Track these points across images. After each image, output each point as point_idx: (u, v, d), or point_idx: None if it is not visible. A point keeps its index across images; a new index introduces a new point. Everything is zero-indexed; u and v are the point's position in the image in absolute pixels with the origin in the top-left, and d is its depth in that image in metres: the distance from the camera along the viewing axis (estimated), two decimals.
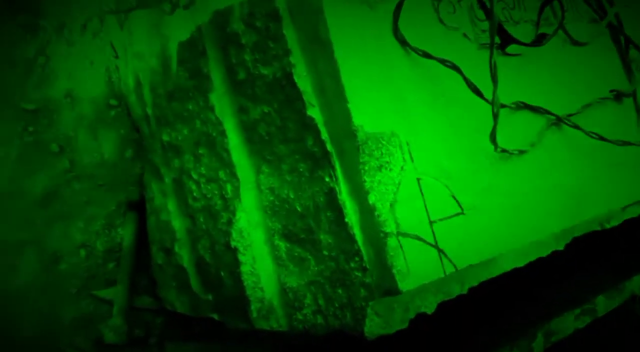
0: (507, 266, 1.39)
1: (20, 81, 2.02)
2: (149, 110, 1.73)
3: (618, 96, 1.63)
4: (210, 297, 1.59)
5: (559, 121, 1.43)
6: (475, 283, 1.34)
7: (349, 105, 1.09)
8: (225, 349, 2.07)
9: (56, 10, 2.08)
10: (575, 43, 1.58)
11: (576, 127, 1.44)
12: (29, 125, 2.01)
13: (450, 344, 1.80)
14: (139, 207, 2.06)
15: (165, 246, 1.79)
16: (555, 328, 1.75)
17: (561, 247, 1.55)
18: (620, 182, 1.60)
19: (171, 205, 1.72)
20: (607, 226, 1.72)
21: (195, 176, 1.53)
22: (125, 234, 2.07)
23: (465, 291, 1.32)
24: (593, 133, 1.46)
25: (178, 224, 1.70)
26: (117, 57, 2.11)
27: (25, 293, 1.90)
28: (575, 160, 1.46)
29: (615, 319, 2.11)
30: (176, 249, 1.71)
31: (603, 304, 1.95)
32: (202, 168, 1.49)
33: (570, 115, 1.46)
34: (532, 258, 1.47)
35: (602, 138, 1.44)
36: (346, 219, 1.14)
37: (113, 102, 2.12)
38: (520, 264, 1.44)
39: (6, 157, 1.96)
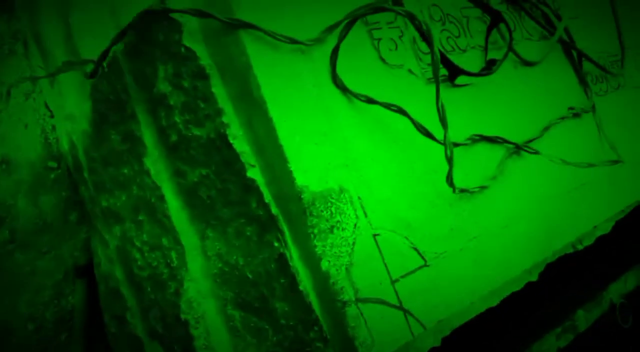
0: (480, 309, 1.31)
1: None
2: (86, 175, 1.61)
3: (577, 113, 1.57)
4: None
5: (518, 149, 1.36)
6: (447, 333, 1.25)
7: (290, 166, 0.99)
8: None
9: None
10: (527, 63, 1.52)
11: (537, 153, 1.37)
12: None
13: None
14: (88, 272, 1.93)
15: (116, 314, 1.66)
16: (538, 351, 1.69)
17: (535, 278, 1.48)
18: (588, 203, 1.54)
19: (118, 272, 1.59)
20: (580, 247, 1.66)
21: (138, 244, 1.41)
22: (76, 302, 1.93)
23: (438, 343, 1.23)
24: (556, 158, 1.39)
25: (127, 291, 1.58)
26: (52, 116, 1.99)
27: None
28: (539, 189, 1.39)
29: (598, 331, 2.07)
30: (128, 317, 1.58)
31: (583, 318, 1.91)
32: (144, 235, 1.38)
33: (529, 141, 1.39)
34: (506, 294, 1.39)
35: (565, 162, 1.37)
36: (300, 287, 1.04)
37: (52, 163, 1.99)
38: (494, 303, 1.35)
39: None
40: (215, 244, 1.22)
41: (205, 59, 1.05)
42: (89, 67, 1.33)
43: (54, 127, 2.01)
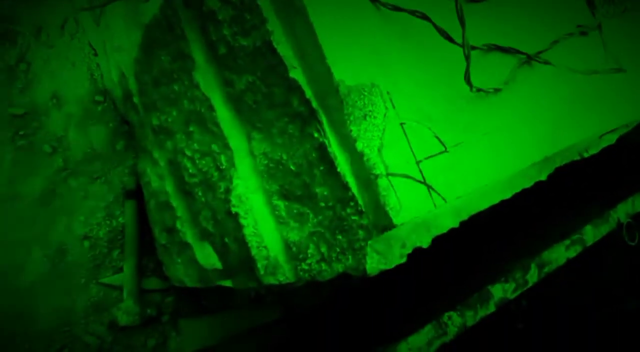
0: (494, 199, 1.47)
1: (5, 89, 2.07)
2: (136, 100, 1.78)
3: (584, 31, 1.69)
4: (217, 265, 1.65)
5: (529, 59, 1.50)
6: (465, 217, 1.42)
7: (329, 62, 1.15)
8: (235, 316, 2.15)
9: (31, 15, 2.11)
10: None
11: (547, 63, 1.51)
12: (20, 129, 2.06)
13: (449, 277, 1.88)
14: (136, 195, 2.13)
15: (167, 225, 1.85)
16: (547, 259, 1.81)
17: (544, 178, 1.63)
18: (592, 112, 1.67)
19: (168, 186, 1.78)
20: (586, 155, 1.80)
21: (189, 153, 1.59)
22: (126, 221, 2.14)
23: (457, 225, 1.40)
24: (563, 66, 1.53)
25: (177, 202, 1.76)
26: (96, 55, 2.16)
27: (36, 288, 1.97)
28: (548, 94, 1.53)
29: (605, 247, 2.21)
30: (178, 226, 1.77)
31: (591, 233, 2.02)
32: (195, 144, 1.55)
33: (540, 52, 1.53)
34: (517, 189, 1.55)
35: (571, 70, 1.51)
36: (338, 169, 1.21)
37: (98, 98, 2.17)
38: (507, 195, 1.52)
39: (1, 162, 2.01)
40: (261, 145, 1.39)
41: None
42: None
43: (98, 65, 2.18)
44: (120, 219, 2.16)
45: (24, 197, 2.03)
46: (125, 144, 2.18)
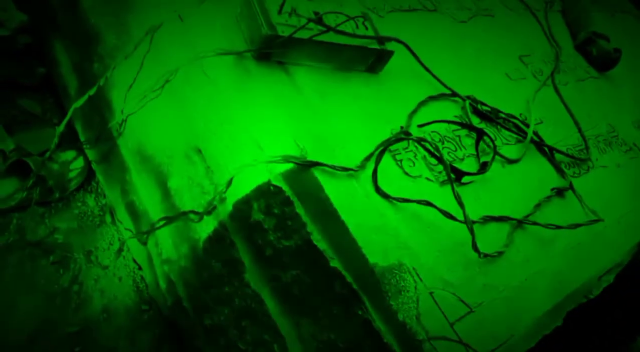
0: (522, 348, 1.66)
1: (61, 310, 2.29)
2: (186, 304, 2.01)
3: (559, 192, 2.01)
4: None
5: (520, 223, 1.79)
6: None
7: (363, 251, 1.42)
8: None
9: (83, 241, 2.42)
10: (511, 161, 2.00)
11: (535, 223, 1.80)
12: (75, 346, 2.24)
13: None
14: None
15: None
16: None
17: (560, 323, 1.83)
18: (587, 259, 1.92)
19: None
20: (591, 296, 2.02)
21: (242, 346, 1.78)
22: None
23: None
24: (550, 225, 1.81)
25: None
26: (140, 268, 2.43)
27: None
28: (543, 250, 1.79)
29: None
30: None
31: None
32: (248, 336, 1.75)
33: (527, 216, 1.82)
34: (539, 337, 1.74)
35: (557, 227, 1.79)
36: (385, 340, 1.41)
37: (144, 307, 2.39)
38: (532, 344, 1.70)
39: None
40: (309, 329, 1.60)
41: (288, 191, 1.52)
42: (194, 216, 1.79)
43: (142, 278, 2.44)
44: None
45: None
46: (168, 347, 2.35)
